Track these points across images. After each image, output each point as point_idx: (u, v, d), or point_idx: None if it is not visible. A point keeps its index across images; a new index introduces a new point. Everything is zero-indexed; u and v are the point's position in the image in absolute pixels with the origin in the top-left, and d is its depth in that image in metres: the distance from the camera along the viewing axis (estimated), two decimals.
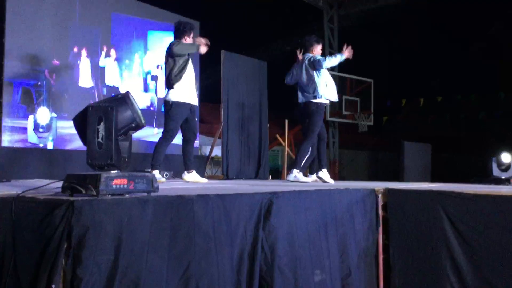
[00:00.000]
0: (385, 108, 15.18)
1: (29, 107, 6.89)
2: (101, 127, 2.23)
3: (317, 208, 3.34)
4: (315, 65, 5.59)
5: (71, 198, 2.05)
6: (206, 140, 11.59)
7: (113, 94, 7.14)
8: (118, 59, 8.16)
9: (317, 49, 5.82)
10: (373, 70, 13.98)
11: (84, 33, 7.64)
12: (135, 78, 8.48)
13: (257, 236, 2.78)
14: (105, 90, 7.89)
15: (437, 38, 19.07)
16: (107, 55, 7.97)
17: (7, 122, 6.63)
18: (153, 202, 2.26)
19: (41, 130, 6.97)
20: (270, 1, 16.62)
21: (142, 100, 8.46)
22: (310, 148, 5.74)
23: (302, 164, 5.61)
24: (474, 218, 3.51)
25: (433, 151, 15.30)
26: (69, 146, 7.15)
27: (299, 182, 5.36)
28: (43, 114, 7.00)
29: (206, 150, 10.69)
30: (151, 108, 8.69)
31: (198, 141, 8.88)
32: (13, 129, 6.70)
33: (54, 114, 7.11)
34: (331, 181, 5.66)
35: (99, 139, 2.23)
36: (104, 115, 2.23)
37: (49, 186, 2.45)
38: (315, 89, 5.60)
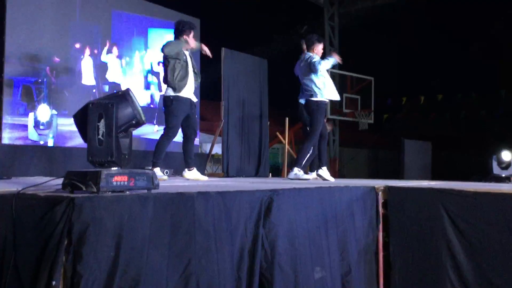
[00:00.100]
0: (385, 106, 15.15)
1: (30, 105, 6.90)
2: (102, 124, 2.22)
3: (317, 205, 3.34)
4: (311, 69, 5.60)
5: (72, 195, 2.05)
6: (207, 137, 11.58)
7: (115, 91, 7.14)
8: (119, 57, 8.16)
9: (318, 48, 5.78)
10: (373, 68, 13.95)
11: (85, 30, 7.64)
12: (135, 75, 8.48)
13: (257, 234, 2.77)
14: (106, 87, 7.90)
15: (437, 38, 19.07)
16: (109, 51, 7.96)
17: (8, 119, 6.64)
18: (154, 199, 2.26)
19: (41, 127, 6.97)
20: None
21: (142, 97, 8.46)
22: (312, 148, 5.75)
23: (303, 163, 5.62)
24: (474, 216, 3.50)
25: (433, 149, 15.33)
26: (70, 143, 7.15)
27: (300, 179, 5.37)
28: (44, 112, 7.01)
29: (206, 148, 10.69)
30: (152, 106, 8.69)
31: (198, 139, 8.87)
32: (14, 127, 6.70)
33: (54, 111, 7.12)
34: (331, 179, 5.66)
35: (100, 136, 2.23)
36: (105, 112, 2.22)
37: (50, 183, 2.45)
38: (314, 89, 5.60)
